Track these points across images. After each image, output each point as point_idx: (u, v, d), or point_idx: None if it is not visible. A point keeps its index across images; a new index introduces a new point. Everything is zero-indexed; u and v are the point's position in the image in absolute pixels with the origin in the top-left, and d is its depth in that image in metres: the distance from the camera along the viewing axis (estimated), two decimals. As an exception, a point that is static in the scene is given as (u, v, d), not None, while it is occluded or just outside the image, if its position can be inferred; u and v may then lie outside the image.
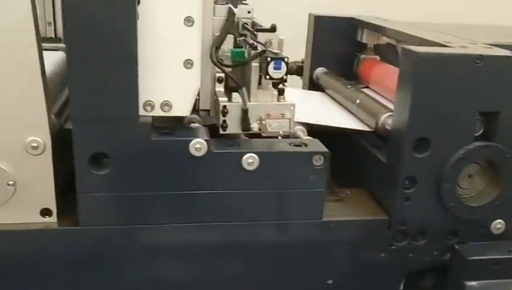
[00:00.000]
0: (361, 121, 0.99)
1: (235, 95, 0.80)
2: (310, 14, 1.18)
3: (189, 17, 0.72)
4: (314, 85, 1.19)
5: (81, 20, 0.67)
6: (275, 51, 0.77)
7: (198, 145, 0.75)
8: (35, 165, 0.73)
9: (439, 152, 0.81)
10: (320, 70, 1.19)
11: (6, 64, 0.69)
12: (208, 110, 0.85)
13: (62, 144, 0.76)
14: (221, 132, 0.79)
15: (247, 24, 0.85)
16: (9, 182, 0.73)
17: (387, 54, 1.14)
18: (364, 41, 1.14)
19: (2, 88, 0.70)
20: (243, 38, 0.82)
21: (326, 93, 1.16)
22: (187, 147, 0.75)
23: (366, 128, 0.96)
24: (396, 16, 1.21)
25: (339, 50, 1.18)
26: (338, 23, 1.17)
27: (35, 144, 0.72)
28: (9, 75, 0.69)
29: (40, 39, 0.71)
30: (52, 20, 1.03)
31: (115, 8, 0.67)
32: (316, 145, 0.81)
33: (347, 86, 1.09)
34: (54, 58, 0.96)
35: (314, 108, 1.05)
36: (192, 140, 0.75)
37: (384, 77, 1.05)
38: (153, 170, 0.75)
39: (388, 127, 0.89)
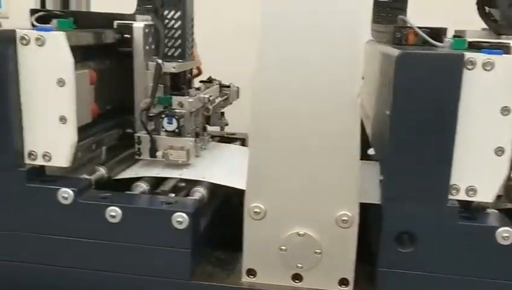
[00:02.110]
0: None
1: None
2: None
3: (506, 107, 0.73)
4: None
5: (410, 109, 0.73)
6: None
7: (506, 233, 0.74)
8: (342, 237, 0.79)
9: None
10: None
11: (331, 151, 0.77)
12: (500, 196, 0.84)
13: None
14: (520, 219, 0.77)
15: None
16: (317, 250, 0.80)
17: None
18: None
19: (326, 169, 0.77)
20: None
21: None
22: (493, 235, 0.75)
23: None
24: None
25: None
26: None
27: (345, 218, 0.78)
28: (333, 159, 0.77)
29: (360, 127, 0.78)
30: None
31: (441, 101, 0.72)
32: None
33: None
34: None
35: None
36: (499, 228, 0.74)
37: None
38: (453, 253, 0.76)
39: None
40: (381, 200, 0.79)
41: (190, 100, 1.01)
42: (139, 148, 0.98)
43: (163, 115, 0.97)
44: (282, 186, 0.79)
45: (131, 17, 1.11)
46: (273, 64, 0.76)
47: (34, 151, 0.83)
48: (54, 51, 0.79)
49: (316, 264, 0.80)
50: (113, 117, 1.04)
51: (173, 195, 0.89)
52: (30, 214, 0.82)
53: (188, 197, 0.88)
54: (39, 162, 0.83)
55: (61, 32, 0.79)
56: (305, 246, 0.80)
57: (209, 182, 0.94)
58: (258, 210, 0.80)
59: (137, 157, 0.99)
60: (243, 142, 1.31)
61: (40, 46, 0.79)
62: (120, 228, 0.81)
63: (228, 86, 1.28)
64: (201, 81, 1.25)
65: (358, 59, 0.75)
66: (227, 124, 1.28)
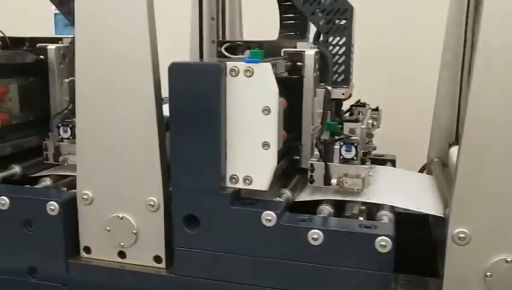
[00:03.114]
0: None
1: None
2: None
3: None
4: None
5: None
6: None
7: None
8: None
9: None
10: None
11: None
12: None
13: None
14: None
15: None
16: (522, 276, 0.79)
17: None
18: None
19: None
20: None
21: None
22: None
23: None
24: None
25: None
26: None
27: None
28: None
29: None
30: None
31: None
32: None
33: None
34: None
35: None
36: None
37: None
38: None
39: None
40: None
41: (363, 126, 1.03)
42: (311, 175, 0.97)
43: (341, 143, 0.97)
44: (490, 211, 0.79)
45: (291, 44, 1.15)
46: (492, 80, 0.77)
47: (235, 175, 0.87)
48: (262, 81, 0.83)
49: (517, 288, 0.79)
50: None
51: (361, 218, 0.90)
52: (234, 235, 0.87)
53: (382, 221, 0.89)
54: (239, 185, 0.88)
55: (268, 63, 0.84)
56: (513, 273, 0.79)
57: (390, 206, 0.95)
58: (463, 235, 0.80)
59: (309, 185, 0.98)
60: (393, 163, 1.31)
61: (248, 77, 0.84)
62: (321, 251, 0.83)
63: (376, 109, 1.29)
64: (352, 105, 1.28)
65: None
66: (375, 148, 1.28)
